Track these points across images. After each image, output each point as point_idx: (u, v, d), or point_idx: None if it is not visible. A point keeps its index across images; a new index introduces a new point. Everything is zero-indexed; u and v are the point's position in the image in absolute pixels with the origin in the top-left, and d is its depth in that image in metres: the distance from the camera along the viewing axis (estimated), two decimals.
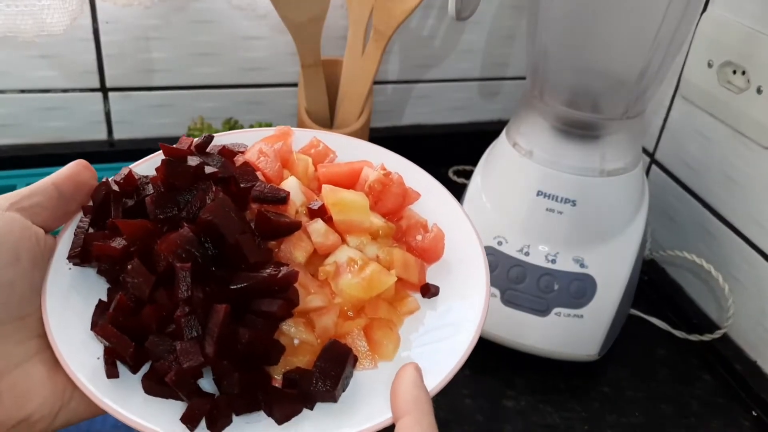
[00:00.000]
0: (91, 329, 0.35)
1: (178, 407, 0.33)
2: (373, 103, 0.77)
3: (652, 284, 0.77)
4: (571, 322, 0.61)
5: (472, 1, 0.61)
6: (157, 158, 0.41)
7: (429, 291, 0.39)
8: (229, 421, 0.33)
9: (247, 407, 0.33)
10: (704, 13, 0.69)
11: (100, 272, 0.37)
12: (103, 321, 0.34)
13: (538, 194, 0.61)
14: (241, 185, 0.38)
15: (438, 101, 0.89)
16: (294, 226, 0.37)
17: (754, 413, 0.63)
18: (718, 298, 0.71)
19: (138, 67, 0.76)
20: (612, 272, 0.61)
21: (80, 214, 0.38)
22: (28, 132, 0.76)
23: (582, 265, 0.61)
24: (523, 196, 0.61)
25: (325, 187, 0.40)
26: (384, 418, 0.33)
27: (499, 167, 0.65)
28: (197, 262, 0.34)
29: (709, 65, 0.69)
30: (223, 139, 0.43)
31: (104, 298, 0.36)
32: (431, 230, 0.41)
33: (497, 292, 0.62)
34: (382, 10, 0.69)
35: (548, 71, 0.61)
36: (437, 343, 0.37)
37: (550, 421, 0.60)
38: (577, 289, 0.61)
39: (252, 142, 0.43)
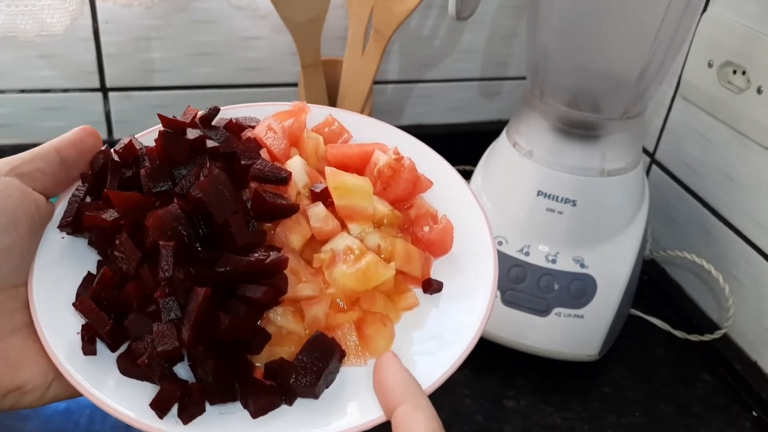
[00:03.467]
0: (73, 304, 0.34)
1: (152, 391, 0.31)
2: (373, 103, 0.77)
3: (653, 284, 0.77)
4: (571, 322, 0.61)
5: (472, 1, 0.61)
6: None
7: (431, 286, 0.37)
8: (201, 410, 0.31)
9: (221, 397, 0.32)
10: (704, 14, 0.69)
11: (90, 243, 0.36)
12: (85, 295, 0.33)
13: (538, 194, 0.61)
14: (242, 162, 0.36)
15: (438, 101, 0.89)
16: (291, 209, 0.36)
17: (754, 413, 0.63)
18: (718, 298, 0.71)
19: (138, 67, 0.75)
20: (612, 272, 0.61)
21: (78, 182, 0.37)
22: (28, 132, 0.76)
23: (582, 265, 0.61)
24: (523, 196, 0.61)
25: (328, 170, 0.38)
26: (370, 418, 0.31)
27: (499, 167, 0.65)
28: (183, 240, 0.32)
29: (710, 65, 0.69)
30: (234, 112, 0.41)
31: (94, 271, 0.35)
32: (440, 221, 0.39)
33: (497, 293, 0.62)
34: (382, 10, 0.69)
35: (548, 71, 0.61)
36: (433, 343, 0.35)
37: (551, 421, 0.60)
38: (577, 289, 0.61)
39: (262, 116, 0.41)
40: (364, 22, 0.72)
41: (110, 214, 0.34)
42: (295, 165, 0.38)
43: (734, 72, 0.66)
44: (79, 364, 0.32)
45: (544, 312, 0.61)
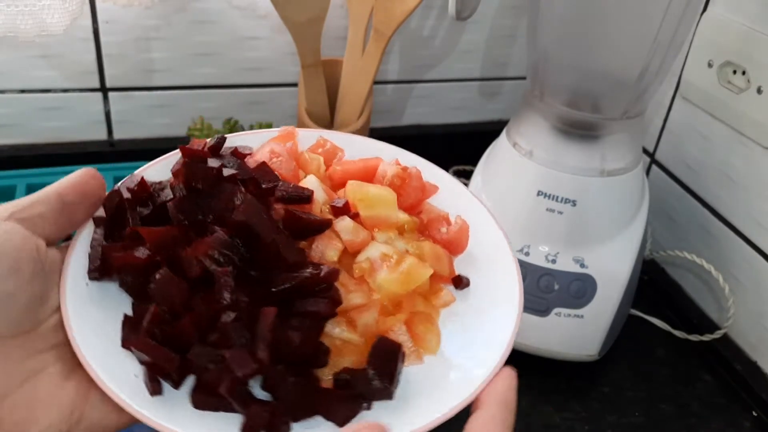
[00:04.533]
0: (123, 346, 0.33)
1: (227, 420, 0.31)
2: (373, 103, 0.77)
3: (652, 284, 0.77)
4: (571, 323, 0.61)
5: (472, 1, 0.61)
6: (165, 161, 0.40)
7: (461, 282, 0.39)
8: (288, 429, 0.31)
9: (305, 412, 0.32)
10: (704, 14, 0.69)
11: (122, 285, 0.35)
12: (135, 336, 0.32)
13: (538, 194, 0.61)
14: (263, 186, 0.36)
15: (438, 101, 0.89)
16: (325, 224, 0.36)
17: (754, 413, 0.63)
18: (718, 298, 0.71)
19: (138, 67, 0.76)
20: (612, 272, 0.61)
21: (87, 226, 0.36)
22: (28, 132, 0.76)
23: (582, 265, 0.61)
24: (523, 196, 0.61)
25: (351, 183, 0.39)
26: (439, 414, 0.32)
27: (499, 167, 0.65)
28: (235, 265, 0.33)
29: (709, 65, 0.69)
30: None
31: (128, 312, 0.34)
32: (455, 222, 0.41)
33: None
34: (382, 10, 0.69)
35: (548, 71, 0.61)
36: (477, 334, 0.36)
37: (551, 421, 0.60)
38: (577, 289, 0.61)
39: (254, 144, 0.42)
40: (364, 22, 0.72)
41: (142, 252, 0.33)
42: (312, 183, 0.39)
43: (734, 72, 0.66)
44: (150, 407, 0.31)
45: (543, 312, 0.61)
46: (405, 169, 0.41)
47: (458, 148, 0.89)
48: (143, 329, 0.32)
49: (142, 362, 0.32)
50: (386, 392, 0.33)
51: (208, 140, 0.39)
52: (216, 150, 0.39)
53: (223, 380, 0.31)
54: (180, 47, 0.76)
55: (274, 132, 0.43)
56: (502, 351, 0.35)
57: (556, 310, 0.61)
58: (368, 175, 0.42)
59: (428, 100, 0.89)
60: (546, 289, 0.61)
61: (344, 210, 0.38)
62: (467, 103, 0.90)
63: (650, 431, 0.61)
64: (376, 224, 0.39)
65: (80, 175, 0.36)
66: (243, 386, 0.32)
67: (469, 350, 0.35)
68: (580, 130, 0.60)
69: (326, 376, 0.34)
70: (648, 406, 0.63)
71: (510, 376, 0.34)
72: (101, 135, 0.79)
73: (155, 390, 0.31)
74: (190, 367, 0.32)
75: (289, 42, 0.75)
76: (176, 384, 0.32)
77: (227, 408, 0.32)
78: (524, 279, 0.61)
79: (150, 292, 0.33)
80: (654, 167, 0.80)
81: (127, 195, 0.36)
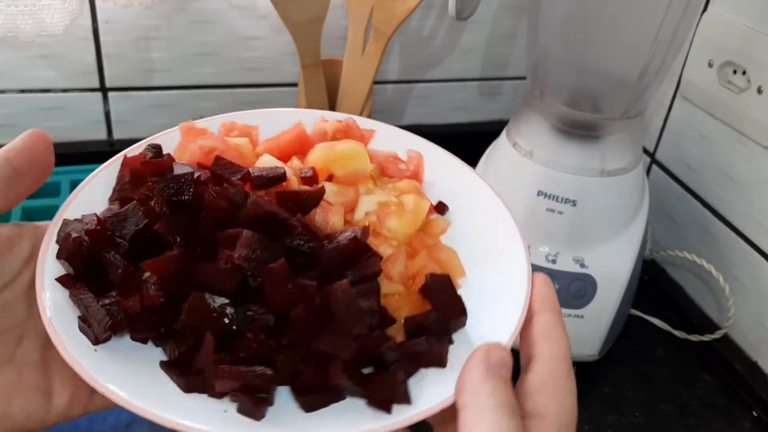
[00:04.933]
0: (187, 391, 0.30)
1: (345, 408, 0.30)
2: (373, 103, 0.77)
3: (653, 284, 0.77)
4: (571, 323, 0.61)
5: (472, 1, 0.61)
6: (92, 183, 0.37)
7: (444, 207, 0.40)
8: (406, 388, 0.31)
9: (413, 368, 0.32)
10: (704, 13, 0.69)
11: (137, 336, 0.31)
12: (199, 376, 0.30)
13: (538, 194, 0.60)
14: (234, 178, 0.35)
15: (438, 101, 0.89)
16: (319, 193, 0.35)
17: (754, 413, 0.63)
18: (718, 298, 0.71)
19: (138, 67, 0.75)
20: (612, 272, 0.61)
21: (49, 233, 0.33)
22: None
23: (582, 265, 0.61)
24: (524, 196, 0.61)
25: (318, 147, 0.38)
26: (504, 335, 0.32)
27: (499, 167, 0.65)
28: (276, 258, 0.31)
29: (710, 65, 0.69)
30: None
31: (152, 357, 0.31)
32: (409, 156, 0.41)
33: None
34: (382, 10, 0.69)
35: (548, 71, 0.61)
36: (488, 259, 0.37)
37: None
38: (577, 290, 0.60)
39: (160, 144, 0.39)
40: (364, 22, 0.72)
41: (152, 289, 0.30)
42: (271, 161, 0.38)
43: (734, 72, 0.66)
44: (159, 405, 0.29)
45: None
46: (340, 121, 0.41)
47: (458, 148, 0.88)
48: (212, 360, 0.30)
49: (227, 393, 0.30)
50: (461, 321, 0.33)
51: (146, 152, 0.37)
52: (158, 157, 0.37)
53: (331, 371, 0.30)
54: (180, 47, 0.76)
55: (169, 132, 0.41)
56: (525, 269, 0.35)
57: None
58: (300, 142, 0.41)
59: (428, 100, 0.89)
60: None
61: (314, 178, 0.37)
62: (467, 103, 0.90)
63: (650, 431, 0.61)
64: (353, 180, 0.38)
65: (29, 137, 0.33)
66: (351, 368, 0.31)
67: (486, 277, 0.36)
68: (580, 130, 0.60)
69: (397, 333, 0.34)
70: (648, 406, 0.63)
71: (544, 280, 0.34)
72: (101, 135, 0.79)
73: (262, 413, 0.29)
74: (279, 378, 0.30)
75: (288, 42, 0.75)
76: (271, 401, 0.30)
77: (337, 398, 0.31)
78: None
79: (185, 324, 0.30)
80: (654, 167, 0.80)
81: (85, 237, 0.32)
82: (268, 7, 0.67)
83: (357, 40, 0.73)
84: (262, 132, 0.42)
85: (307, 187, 0.36)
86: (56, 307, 0.31)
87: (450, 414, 0.30)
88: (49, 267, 0.32)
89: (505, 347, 0.30)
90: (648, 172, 0.81)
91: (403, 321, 0.34)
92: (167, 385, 0.30)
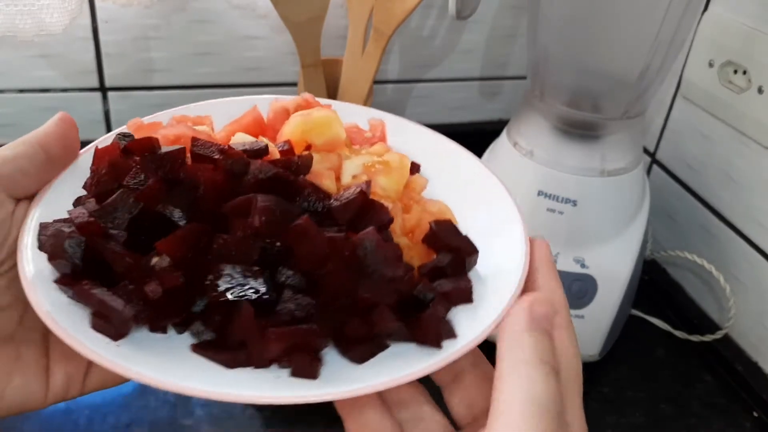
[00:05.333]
0: (232, 367, 0.29)
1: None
2: (373, 103, 0.76)
3: (653, 284, 0.77)
4: None
5: (472, 0, 0.61)
6: (69, 176, 0.35)
7: (417, 167, 0.40)
8: (449, 324, 0.32)
9: (450, 304, 0.33)
10: (705, 13, 0.69)
11: (157, 327, 0.30)
12: (235, 354, 0.29)
13: (538, 194, 0.60)
14: (217, 156, 0.33)
15: (438, 101, 0.89)
16: (309, 158, 0.35)
17: (755, 414, 0.63)
18: (719, 299, 0.71)
19: (137, 66, 0.75)
20: (613, 272, 0.61)
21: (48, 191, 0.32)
22: (26, 132, 0.76)
23: (583, 266, 0.61)
24: (524, 196, 0.61)
25: (294, 117, 0.38)
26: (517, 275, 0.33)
27: (499, 167, 0.65)
28: (296, 216, 0.31)
29: (710, 65, 0.68)
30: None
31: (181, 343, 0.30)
32: (370, 123, 0.42)
33: None
34: (382, 10, 0.69)
35: (549, 71, 0.61)
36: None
37: None
38: (577, 290, 0.60)
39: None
40: (363, 22, 0.72)
41: (168, 269, 0.29)
42: (246, 137, 0.38)
43: (735, 72, 0.66)
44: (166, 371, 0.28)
45: None
46: (300, 97, 0.41)
47: None
48: (255, 329, 0.29)
49: (276, 359, 0.29)
50: (473, 259, 0.35)
51: (119, 141, 0.36)
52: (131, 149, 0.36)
53: (377, 318, 0.30)
54: (179, 47, 0.75)
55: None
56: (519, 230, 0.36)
57: None
58: (259, 125, 0.40)
59: (428, 99, 0.88)
60: None
61: (291, 151, 0.37)
62: (467, 103, 0.90)
63: (651, 431, 0.61)
64: (331, 148, 0.38)
65: (60, 123, 0.33)
66: (393, 312, 0.31)
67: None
68: (580, 129, 0.60)
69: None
70: (648, 406, 0.63)
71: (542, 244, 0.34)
72: (100, 135, 0.78)
73: (317, 371, 0.29)
74: (326, 333, 0.30)
75: (288, 41, 0.74)
76: (320, 360, 0.30)
77: (383, 346, 0.31)
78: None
79: (213, 302, 0.30)
80: (655, 167, 0.80)
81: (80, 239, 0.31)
82: (268, 6, 0.67)
83: (357, 39, 0.73)
84: (216, 122, 0.42)
85: (296, 157, 0.36)
86: (56, 310, 0.30)
87: (457, 373, 0.31)
88: (39, 271, 0.31)
89: (549, 300, 0.30)
90: (648, 172, 0.81)
91: (416, 269, 0.34)
92: (204, 365, 0.29)
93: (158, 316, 0.30)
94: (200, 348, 0.30)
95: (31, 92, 0.74)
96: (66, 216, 0.33)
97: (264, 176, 0.32)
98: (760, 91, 0.63)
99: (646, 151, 0.80)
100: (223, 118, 0.42)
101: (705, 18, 0.69)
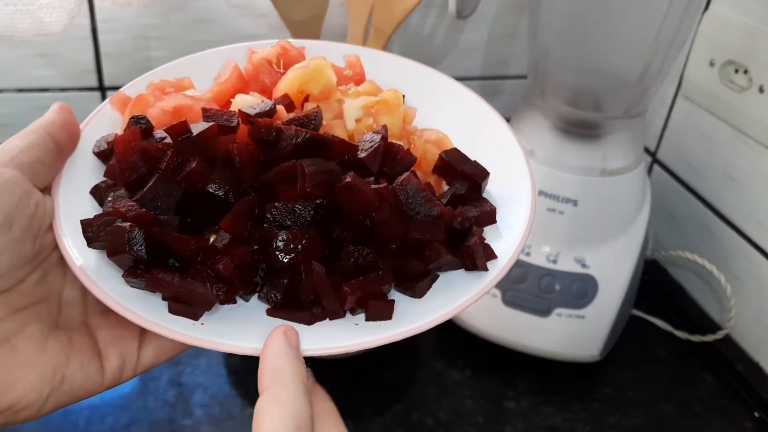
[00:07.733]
0: (311, 323, 0.31)
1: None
2: None
3: (654, 284, 0.77)
4: (572, 323, 0.61)
5: None
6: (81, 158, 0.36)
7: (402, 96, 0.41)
8: (480, 235, 0.34)
9: (480, 225, 0.35)
10: (706, 12, 0.69)
11: (227, 299, 0.32)
12: (312, 311, 0.31)
13: (539, 194, 0.60)
14: (231, 124, 0.34)
15: None
16: (319, 112, 0.36)
17: (756, 414, 0.63)
18: (720, 299, 0.71)
19: (137, 66, 0.75)
20: (614, 272, 0.61)
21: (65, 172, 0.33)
22: None
23: (583, 266, 0.60)
24: None
25: (291, 70, 0.39)
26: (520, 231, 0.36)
27: None
28: (342, 171, 0.33)
29: (711, 64, 0.68)
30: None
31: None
32: (348, 61, 0.42)
33: (498, 293, 0.61)
34: (382, 9, 0.69)
35: (549, 70, 0.61)
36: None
37: (551, 422, 0.60)
38: (578, 290, 0.60)
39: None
40: (363, 21, 0.72)
41: (239, 247, 0.31)
42: (250, 99, 0.38)
43: (736, 71, 0.66)
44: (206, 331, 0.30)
45: (545, 312, 0.61)
46: (278, 44, 0.41)
47: None
48: (328, 285, 0.31)
49: (354, 308, 0.32)
50: (486, 181, 0.37)
51: (136, 126, 0.35)
52: (150, 131, 0.36)
53: (432, 253, 0.32)
54: (178, 46, 0.75)
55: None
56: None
57: (558, 310, 0.60)
58: (241, 80, 0.40)
59: None
60: (547, 290, 0.60)
61: (292, 105, 0.38)
62: None
63: None
64: (327, 95, 0.39)
65: (61, 111, 0.34)
66: (443, 246, 0.33)
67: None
68: (581, 129, 0.60)
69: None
70: (649, 406, 0.63)
71: (276, 341, 0.30)
72: None
73: (392, 312, 0.31)
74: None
75: None
76: (393, 302, 0.32)
77: (435, 278, 0.33)
78: (525, 280, 0.61)
79: (283, 265, 0.31)
80: (655, 167, 0.80)
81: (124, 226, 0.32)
82: (268, 5, 0.67)
83: (357, 39, 0.72)
84: (195, 82, 0.42)
85: (305, 113, 0.36)
86: (128, 302, 0.31)
87: None
88: (93, 267, 0.32)
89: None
90: (649, 171, 0.81)
91: None
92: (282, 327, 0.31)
93: (237, 289, 0.32)
94: (276, 311, 0.32)
95: (30, 92, 0.74)
96: (94, 208, 0.34)
97: (301, 140, 0.33)
98: (761, 90, 0.63)
99: (646, 150, 0.80)
100: (201, 78, 0.42)
101: (706, 17, 0.69)
